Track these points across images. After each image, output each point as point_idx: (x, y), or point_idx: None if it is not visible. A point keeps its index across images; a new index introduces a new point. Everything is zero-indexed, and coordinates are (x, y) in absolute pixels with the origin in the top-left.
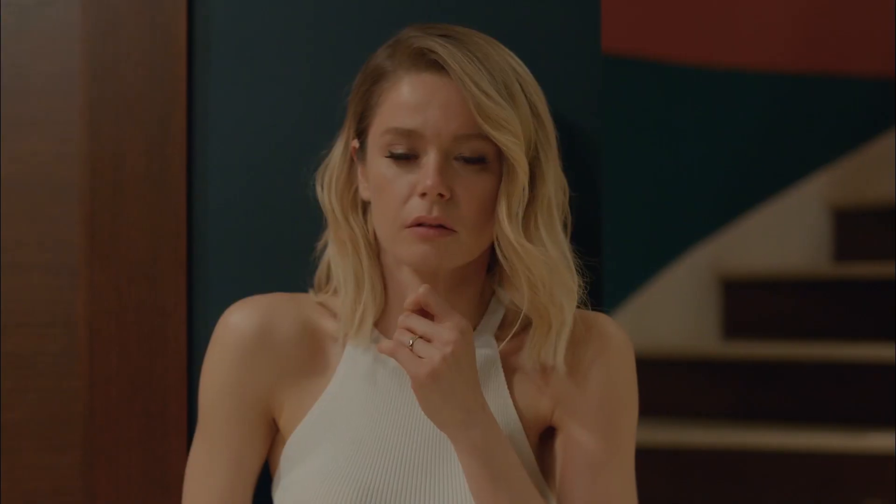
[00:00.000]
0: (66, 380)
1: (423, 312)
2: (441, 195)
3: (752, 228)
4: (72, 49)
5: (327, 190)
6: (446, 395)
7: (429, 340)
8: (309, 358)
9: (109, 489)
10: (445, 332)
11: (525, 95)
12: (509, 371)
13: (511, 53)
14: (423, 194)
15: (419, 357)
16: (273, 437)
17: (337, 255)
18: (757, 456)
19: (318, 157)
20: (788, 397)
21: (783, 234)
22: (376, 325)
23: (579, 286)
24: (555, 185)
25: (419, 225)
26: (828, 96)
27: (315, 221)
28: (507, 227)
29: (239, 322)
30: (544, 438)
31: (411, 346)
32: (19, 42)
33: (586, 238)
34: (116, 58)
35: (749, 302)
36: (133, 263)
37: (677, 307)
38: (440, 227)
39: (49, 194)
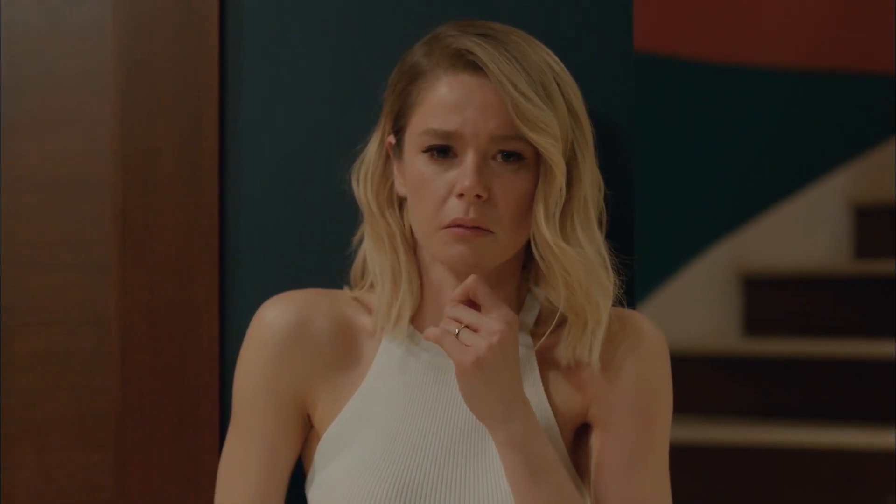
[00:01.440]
0: (97, 378)
1: (470, 304)
2: (479, 196)
3: (773, 225)
4: (103, 46)
5: (363, 185)
6: (490, 384)
7: (475, 330)
8: (344, 353)
9: (141, 487)
10: (492, 322)
11: (562, 94)
12: (544, 367)
13: (548, 51)
14: (461, 195)
15: (465, 345)
16: (307, 433)
17: (373, 250)
18: (778, 453)
19: (353, 153)
20: (810, 394)
21: (804, 231)
22: (412, 320)
23: (615, 285)
24: (591, 183)
25: (457, 226)
26: (849, 93)
27: (347, 218)
28: (545, 228)
29: (275, 317)
30: (578, 435)
31: (457, 334)
32: (50, 39)
33: (617, 235)
34: (148, 55)
35: (770, 299)
36: (165, 261)
37: (698, 304)
38: (477, 227)
39: (79, 192)
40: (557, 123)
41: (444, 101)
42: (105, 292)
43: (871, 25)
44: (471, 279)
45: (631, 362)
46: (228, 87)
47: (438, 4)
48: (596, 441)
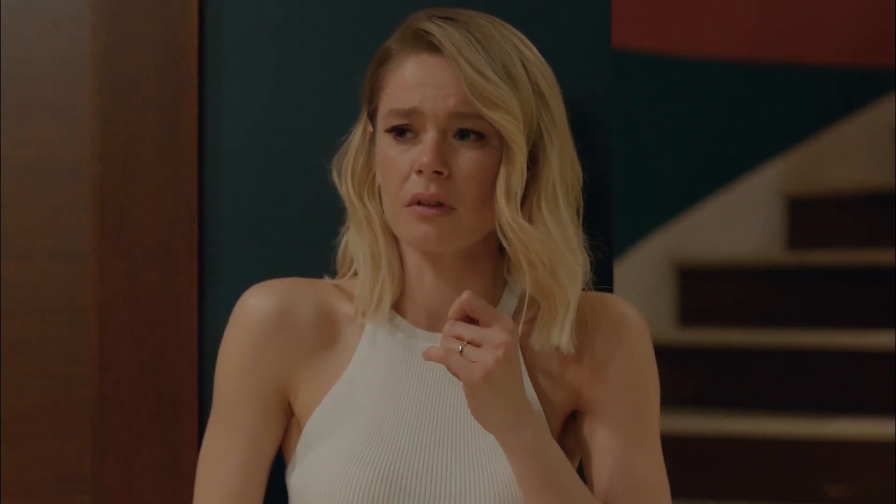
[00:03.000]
0: (71, 366)
1: (467, 319)
2: (439, 173)
3: (707, 216)
4: (81, 33)
5: (343, 175)
6: (500, 396)
7: (478, 345)
8: (327, 340)
9: (120, 476)
10: (495, 334)
11: (528, 75)
12: (528, 357)
13: (518, 34)
14: (420, 171)
15: (472, 361)
16: (288, 421)
17: (355, 234)
18: (715, 442)
19: (333, 141)
20: (745, 384)
21: (738, 222)
22: (395, 307)
23: (584, 266)
24: (561, 166)
25: (419, 203)
26: (782, 85)
27: (327, 207)
28: (504, 206)
29: (258, 305)
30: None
31: (461, 352)
32: (26, 26)
33: (595, 226)
34: (126, 41)
35: (704, 289)
36: (144, 249)
37: (634, 294)
38: (439, 205)
39: (53, 180)
40: (518, 103)
41: (405, 80)
42: (79, 280)
43: (802, 16)
44: (465, 295)
45: (616, 347)
46: (208, 73)
47: None
48: (590, 428)
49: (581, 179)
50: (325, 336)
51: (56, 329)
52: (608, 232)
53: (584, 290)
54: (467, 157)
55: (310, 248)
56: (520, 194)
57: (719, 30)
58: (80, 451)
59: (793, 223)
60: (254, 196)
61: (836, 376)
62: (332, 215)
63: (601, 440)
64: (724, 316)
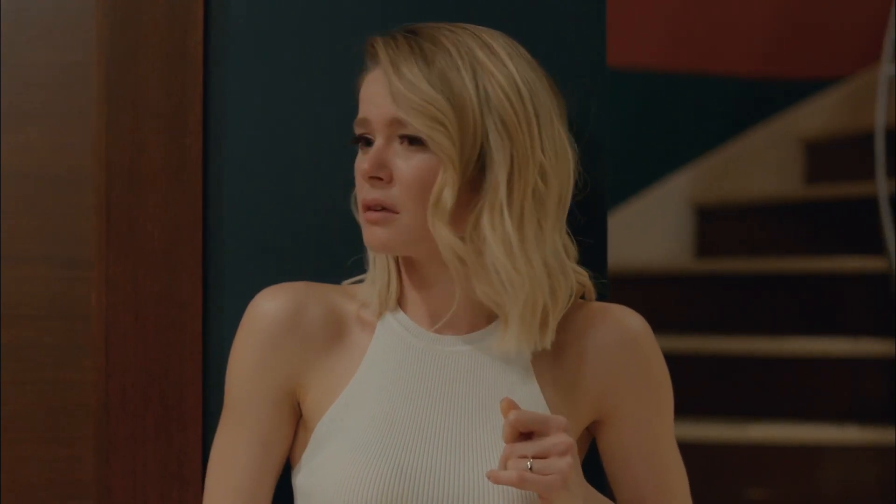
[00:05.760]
0: (65, 372)
1: (519, 434)
2: (379, 178)
3: (617, 225)
4: (84, 38)
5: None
6: (574, 496)
7: (543, 456)
8: (337, 340)
9: (125, 482)
10: (557, 440)
11: (476, 84)
12: (539, 381)
13: (490, 39)
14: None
15: (545, 474)
16: (297, 422)
17: None
18: None
19: (340, 150)
20: None
21: (647, 230)
22: (403, 309)
23: (533, 276)
24: (513, 176)
25: (367, 208)
26: (691, 95)
27: (331, 214)
28: (430, 213)
29: (269, 306)
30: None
31: (531, 468)
32: (26, 30)
33: (591, 234)
34: (132, 49)
35: (614, 297)
36: (149, 256)
37: None
38: (383, 210)
39: (54, 185)
40: (452, 110)
41: (362, 93)
42: (77, 286)
43: (713, 27)
44: (511, 416)
45: (630, 355)
46: (213, 81)
47: (423, 5)
48: (615, 433)
49: (566, 188)
50: (335, 337)
51: (48, 335)
52: (604, 248)
53: (585, 300)
54: (404, 162)
55: (314, 256)
56: (450, 201)
57: (629, 39)
58: (76, 457)
59: (701, 231)
60: (258, 203)
61: (747, 382)
62: (337, 222)
63: (628, 445)
64: None
